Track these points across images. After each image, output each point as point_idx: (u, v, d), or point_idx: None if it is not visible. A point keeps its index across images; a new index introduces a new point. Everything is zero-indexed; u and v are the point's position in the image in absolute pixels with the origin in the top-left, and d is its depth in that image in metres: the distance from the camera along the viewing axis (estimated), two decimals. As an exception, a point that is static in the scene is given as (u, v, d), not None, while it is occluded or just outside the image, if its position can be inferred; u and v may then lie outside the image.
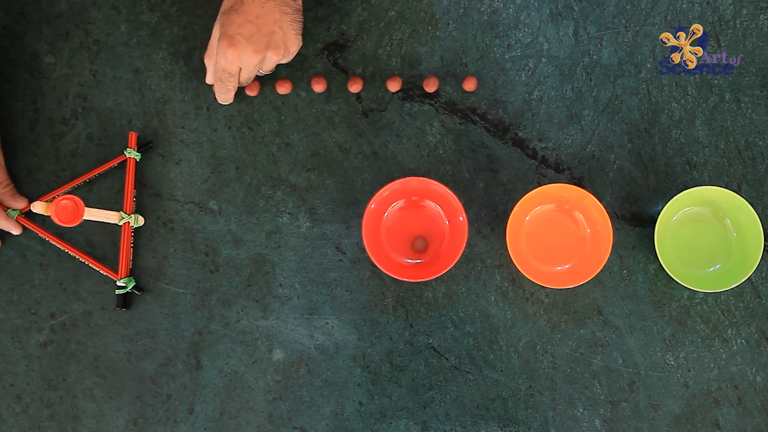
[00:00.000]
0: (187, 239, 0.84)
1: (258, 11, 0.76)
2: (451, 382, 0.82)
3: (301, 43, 0.81)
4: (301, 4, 0.79)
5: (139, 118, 0.86)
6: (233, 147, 0.85)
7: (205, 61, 0.83)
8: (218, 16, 0.78)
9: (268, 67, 0.81)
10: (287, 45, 0.79)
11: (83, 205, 0.77)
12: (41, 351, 0.83)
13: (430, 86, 0.85)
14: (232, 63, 0.77)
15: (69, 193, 0.84)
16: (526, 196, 0.79)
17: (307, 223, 0.84)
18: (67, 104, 0.85)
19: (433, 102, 0.86)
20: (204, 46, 0.86)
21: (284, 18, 0.78)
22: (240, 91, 0.86)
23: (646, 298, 0.83)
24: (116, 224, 0.83)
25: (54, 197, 0.81)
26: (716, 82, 0.87)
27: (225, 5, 0.78)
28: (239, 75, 0.80)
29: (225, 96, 0.83)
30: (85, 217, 0.78)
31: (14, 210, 0.83)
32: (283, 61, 0.81)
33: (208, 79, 0.84)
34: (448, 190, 0.79)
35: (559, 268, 0.83)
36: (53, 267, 0.84)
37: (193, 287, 0.83)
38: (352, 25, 0.87)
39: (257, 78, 0.86)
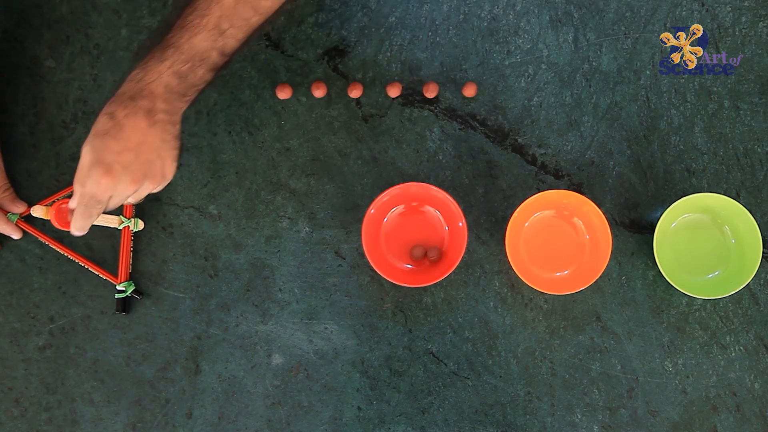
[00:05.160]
0: (186, 244, 0.84)
1: (139, 139, 0.69)
2: (449, 387, 0.82)
3: (175, 170, 0.74)
4: (180, 129, 0.73)
5: (139, 123, 0.86)
6: (233, 152, 0.85)
7: (74, 186, 0.71)
8: (90, 137, 0.69)
9: (140, 196, 0.74)
10: (165, 173, 0.72)
11: (83, 209, 0.77)
12: (40, 355, 0.82)
13: (430, 92, 0.85)
14: (105, 192, 0.69)
15: (69, 197, 0.83)
16: (526, 202, 0.79)
17: (307, 228, 0.84)
18: (68, 108, 0.86)
19: (432, 108, 0.86)
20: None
21: (165, 146, 0.71)
22: (239, 96, 0.86)
23: (644, 304, 0.84)
24: (116, 228, 0.83)
25: (54, 201, 0.81)
26: (715, 89, 0.87)
27: (99, 127, 0.69)
28: (108, 202, 0.71)
29: (84, 223, 0.72)
30: (84, 222, 0.78)
31: (14, 214, 0.83)
32: (157, 190, 0.73)
33: (71, 204, 0.72)
34: (448, 196, 0.79)
35: (558, 274, 0.83)
36: (52, 271, 0.84)
37: (192, 291, 0.83)
38: (352, 30, 0.87)
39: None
